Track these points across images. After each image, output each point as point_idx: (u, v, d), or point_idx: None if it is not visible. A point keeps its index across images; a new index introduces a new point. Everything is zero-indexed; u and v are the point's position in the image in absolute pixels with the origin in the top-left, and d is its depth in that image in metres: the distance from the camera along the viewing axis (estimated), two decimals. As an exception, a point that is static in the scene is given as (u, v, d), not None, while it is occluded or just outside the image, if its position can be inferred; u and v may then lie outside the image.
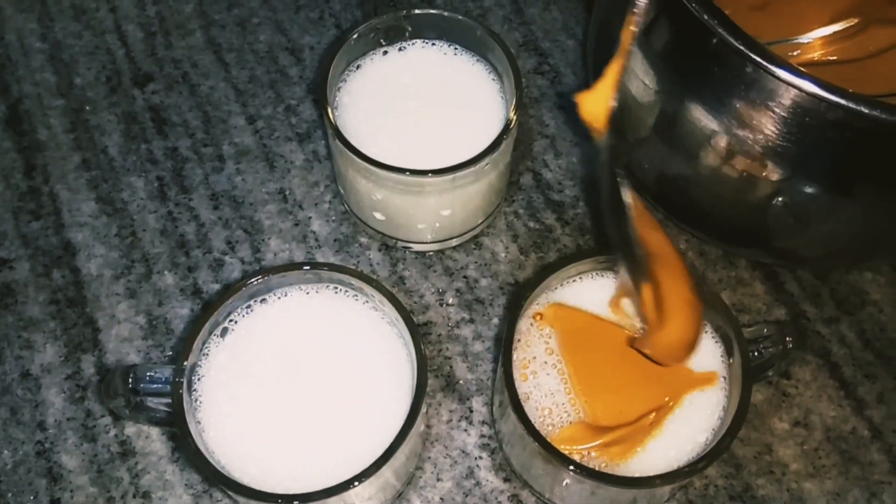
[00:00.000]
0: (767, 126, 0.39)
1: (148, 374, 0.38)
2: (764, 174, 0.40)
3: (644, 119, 0.44)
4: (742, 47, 0.36)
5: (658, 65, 0.42)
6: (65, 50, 0.57)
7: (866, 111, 0.35)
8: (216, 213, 0.52)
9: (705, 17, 0.36)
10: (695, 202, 0.46)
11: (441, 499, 0.44)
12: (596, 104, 0.37)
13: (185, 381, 0.37)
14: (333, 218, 0.52)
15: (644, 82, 0.43)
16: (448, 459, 0.45)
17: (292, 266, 0.39)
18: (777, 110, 0.38)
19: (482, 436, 0.46)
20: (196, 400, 0.38)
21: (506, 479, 0.44)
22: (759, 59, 0.36)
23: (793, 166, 0.39)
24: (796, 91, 0.36)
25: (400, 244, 0.50)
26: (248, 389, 0.39)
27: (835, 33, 0.48)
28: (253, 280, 0.39)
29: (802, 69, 0.36)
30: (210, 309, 0.39)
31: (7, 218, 0.51)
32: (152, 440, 0.45)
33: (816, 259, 0.47)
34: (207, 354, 0.39)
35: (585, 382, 0.39)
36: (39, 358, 0.47)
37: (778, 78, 0.36)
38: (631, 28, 0.36)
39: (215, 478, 0.36)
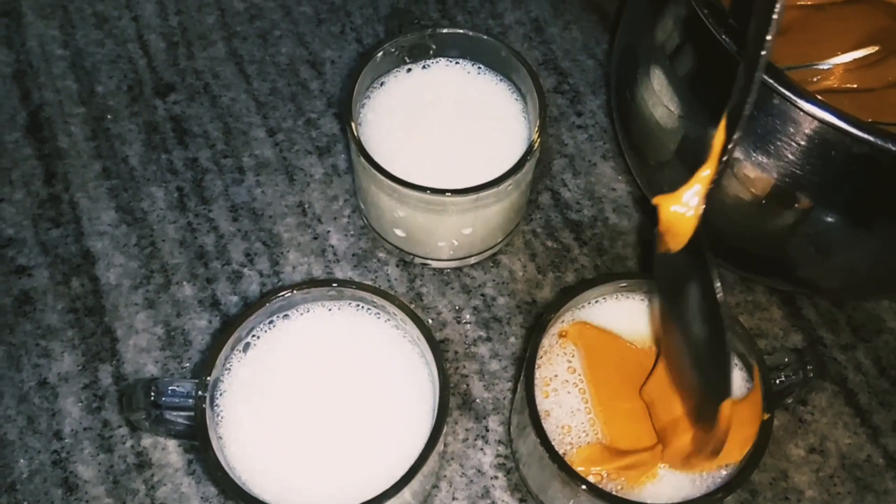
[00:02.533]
0: (790, 156, 0.39)
1: (170, 387, 0.38)
2: (785, 204, 0.40)
3: (667, 144, 0.44)
4: (770, 79, 0.37)
5: (682, 90, 0.42)
6: (86, 58, 0.57)
7: (894, 148, 0.35)
8: (235, 225, 0.52)
9: (736, 48, 0.36)
10: (714, 228, 0.46)
11: (456, 517, 0.44)
12: (680, 213, 0.35)
13: (207, 395, 0.37)
14: (352, 232, 0.52)
15: (668, 107, 0.43)
16: (464, 479, 0.45)
17: (318, 282, 0.39)
18: (802, 141, 0.38)
19: (498, 455, 0.46)
20: (218, 415, 0.38)
21: (521, 500, 0.44)
22: (786, 91, 0.36)
23: (814, 197, 0.40)
24: (822, 124, 0.36)
25: (418, 260, 0.50)
26: (269, 405, 0.39)
27: (854, 61, 0.48)
28: (279, 295, 0.39)
29: (828, 103, 0.36)
30: (234, 323, 0.39)
31: (27, 225, 0.51)
32: (169, 452, 0.45)
33: (835, 289, 0.47)
34: (230, 369, 0.39)
35: (606, 405, 0.39)
36: (57, 367, 0.47)
37: (804, 111, 0.36)
38: (726, 134, 0.34)
39: (236, 493, 0.36)
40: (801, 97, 0.36)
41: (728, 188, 0.42)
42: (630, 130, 0.47)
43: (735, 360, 0.40)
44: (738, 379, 0.40)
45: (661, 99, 0.43)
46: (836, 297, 0.50)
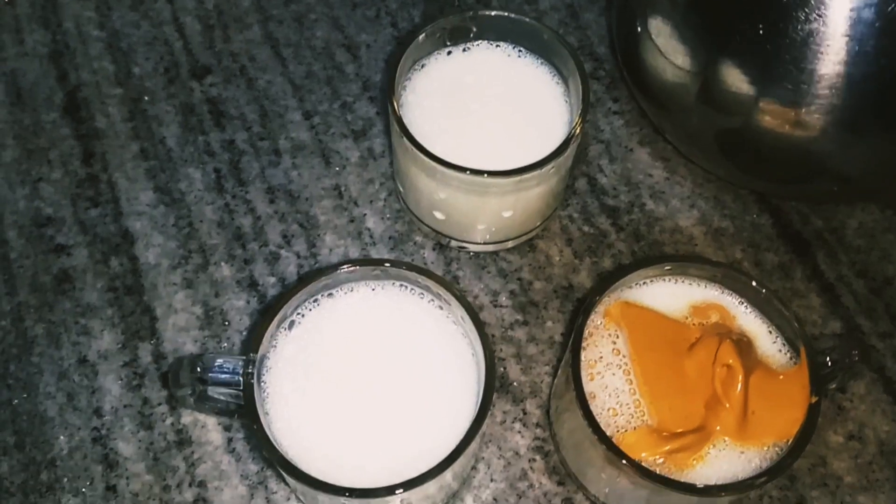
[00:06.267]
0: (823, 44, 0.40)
1: (216, 363, 0.38)
2: (818, 101, 0.41)
3: (688, 88, 0.46)
4: None
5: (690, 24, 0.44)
6: (123, 39, 0.57)
7: None
8: (272, 207, 0.52)
9: None
10: (747, 143, 0.47)
11: (495, 499, 0.44)
12: None
13: (255, 371, 0.37)
14: (388, 215, 0.52)
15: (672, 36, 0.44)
16: (502, 460, 0.45)
17: (366, 261, 0.39)
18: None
19: (536, 438, 0.46)
20: (264, 391, 0.38)
21: (559, 483, 0.44)
22: None
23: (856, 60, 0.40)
24: None
25: (454, 244, 0.50)
26: (314, 383, 0.39)
27: None
28: (324, 274, 0.39)
29: None
30: (279, 301, 0.39)
31: (65, 204, 0.51)
32: (208, 430, 0.45)
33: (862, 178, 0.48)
34: (275, 346, 0.39)
35: (652, 383, 0.38)
36: (97, 344, 0.47)
37: None
38: None
39: (285, 468, 0.36)
40: None
41: (762, 94, 0.43)
42: (638, 70, 0.49)
43: (782, 345, 0.40)
44: (786, 363, 0.40)
45: (666, 26, 0.44)
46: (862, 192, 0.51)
